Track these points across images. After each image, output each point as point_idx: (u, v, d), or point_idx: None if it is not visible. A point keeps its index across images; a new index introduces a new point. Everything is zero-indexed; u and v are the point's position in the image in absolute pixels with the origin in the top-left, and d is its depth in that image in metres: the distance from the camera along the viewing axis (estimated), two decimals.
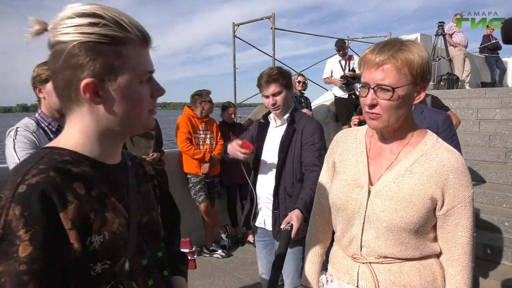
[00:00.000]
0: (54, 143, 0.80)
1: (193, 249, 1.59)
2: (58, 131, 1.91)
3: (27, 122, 1.90)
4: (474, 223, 1.15)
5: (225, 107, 4.63)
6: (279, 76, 2.20)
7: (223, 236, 4.37)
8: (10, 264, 0.63)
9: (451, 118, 2.50)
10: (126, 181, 0.87)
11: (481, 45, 8.98)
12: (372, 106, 1.13)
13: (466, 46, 8.27)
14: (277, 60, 6.56)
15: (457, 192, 1.11)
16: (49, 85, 1.87)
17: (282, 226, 1.93)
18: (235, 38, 6.83)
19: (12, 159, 1.77)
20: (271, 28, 6.35)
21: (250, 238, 4.50)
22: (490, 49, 8.81)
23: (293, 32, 9.01)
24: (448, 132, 2.38)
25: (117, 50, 0.75)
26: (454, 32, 8.22)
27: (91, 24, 0.72)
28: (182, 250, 1.57)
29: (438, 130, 2.32)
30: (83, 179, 0.75)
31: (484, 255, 3.41)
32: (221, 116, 4.65)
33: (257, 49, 7.29)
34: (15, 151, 1.77)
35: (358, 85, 1.17)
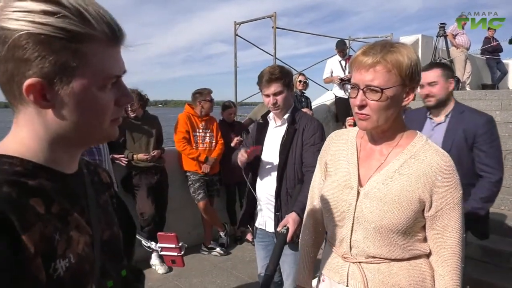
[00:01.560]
0: None
1: (180, 244, 1.55)
2: None
3: None
4: (463, 224, 1.16)
5: (225, 106, 4.64)
6: (281, 75, 2.15)
7: (222, 234, 4.39)
8: None
9: (494, 122, 2.34)
10: (84, 193, 0.74)
11: (482, 47, 8.98)
12: (362, 107, 1.14)
13: (468, 49, 8.26)
14: (278, 59, 6.57)
15: (445, 193, 1.13)
16: None
17: (278, 229, 1.92)
18: (236, 36, 6.84)
19: None
20: (273, 27, 6.35)
21: (249, 236, 4.52)
22: (489, 51, 8.80)
23: (294, 31, 9.03)
24: (488, 137, 2.24)
25: (74, 48, 0.61)
26: (458, 33, 8.21)
27: (45, 13, 0.58)
28: (168, 245, 1.56)
29: (476, 134, 2.23)
30: (41, 194, 0.62)
31: (483, 257, 3.43)
32: (221, 114, 4.67)
33: (258, 48, 7.30)
34: None
35: (348, 86, 1.19)
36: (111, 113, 0.68)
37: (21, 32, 0.58)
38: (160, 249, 1.59)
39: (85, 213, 0.71)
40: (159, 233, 1.61)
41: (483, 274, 3.20)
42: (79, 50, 0.61)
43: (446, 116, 2.39)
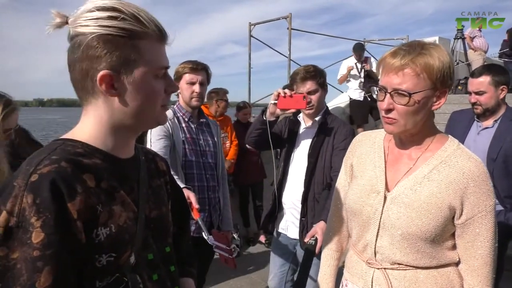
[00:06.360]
0: (69, 134, 0.81)
1: (232, 246, 1.57)
2: (189, 121, 2.23)
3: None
4: (496, 233, 1.11)
5: (240, 107, 4.64)
6: (316, 74, 2.06)
7: (235, 235, 4.36)
8: (25, 250, 0.64)
9: None
10: (137, 175, 0.87)
11: (500, 50, 8.79)
12: (389, 110, 1.11)
13: (486, 51, 8.10)
14: (292, 60, 6.53)
15: (477, 200, 1.08)
16: (182, 82, 2.18)
17: (306, 240, 1.84)
18: (251, 37, 6.82)
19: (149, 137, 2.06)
20: (288, 29, 6.33)
21: (262, 238, 4.50)
22: (507, 54, 8.61)
23: (308, 33, 9.00)
24: None
25: (134, 44, 0.76)
26: (476, 36, 8.07)
27: (110, 18, 0.74)
28: (221, 244, 1.56)
29: None
30: (94, 171, 0.75)
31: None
32: (236, 115, 4.66)
33: (273, 49, 7.26)
34: (151, 132, 2.04)
35: (375, 88, 1.15)
36: (162, 99, 0.83)
37: (93, 35, 0.73)
38: (214, 245, 1.60)
39: (134, 192, 0.84)
40: (213, 230, 1.62)
41: (504, 283, 3.12)
42: (138, 46, 0.77)
43: (495, 121, 2.26)
